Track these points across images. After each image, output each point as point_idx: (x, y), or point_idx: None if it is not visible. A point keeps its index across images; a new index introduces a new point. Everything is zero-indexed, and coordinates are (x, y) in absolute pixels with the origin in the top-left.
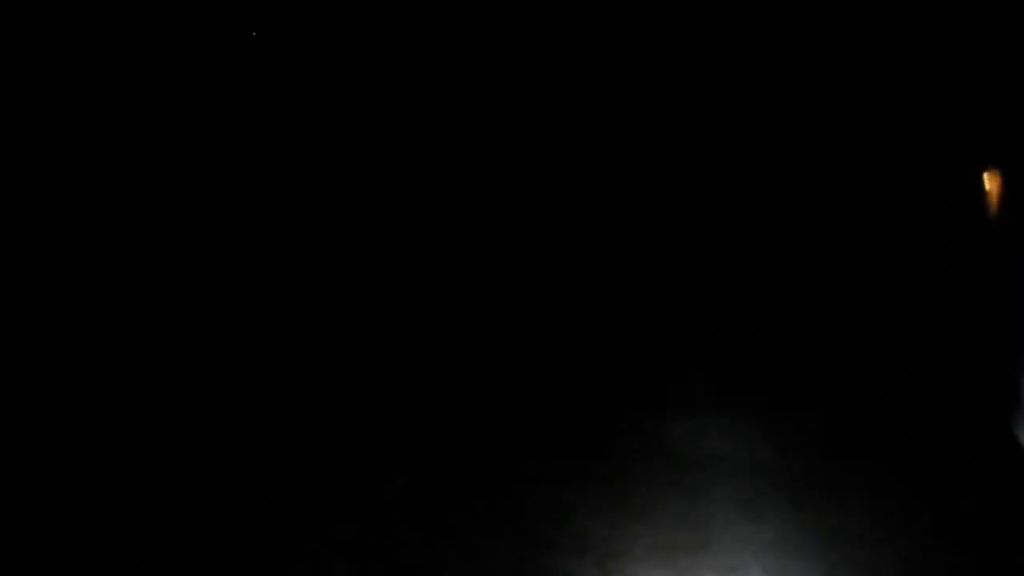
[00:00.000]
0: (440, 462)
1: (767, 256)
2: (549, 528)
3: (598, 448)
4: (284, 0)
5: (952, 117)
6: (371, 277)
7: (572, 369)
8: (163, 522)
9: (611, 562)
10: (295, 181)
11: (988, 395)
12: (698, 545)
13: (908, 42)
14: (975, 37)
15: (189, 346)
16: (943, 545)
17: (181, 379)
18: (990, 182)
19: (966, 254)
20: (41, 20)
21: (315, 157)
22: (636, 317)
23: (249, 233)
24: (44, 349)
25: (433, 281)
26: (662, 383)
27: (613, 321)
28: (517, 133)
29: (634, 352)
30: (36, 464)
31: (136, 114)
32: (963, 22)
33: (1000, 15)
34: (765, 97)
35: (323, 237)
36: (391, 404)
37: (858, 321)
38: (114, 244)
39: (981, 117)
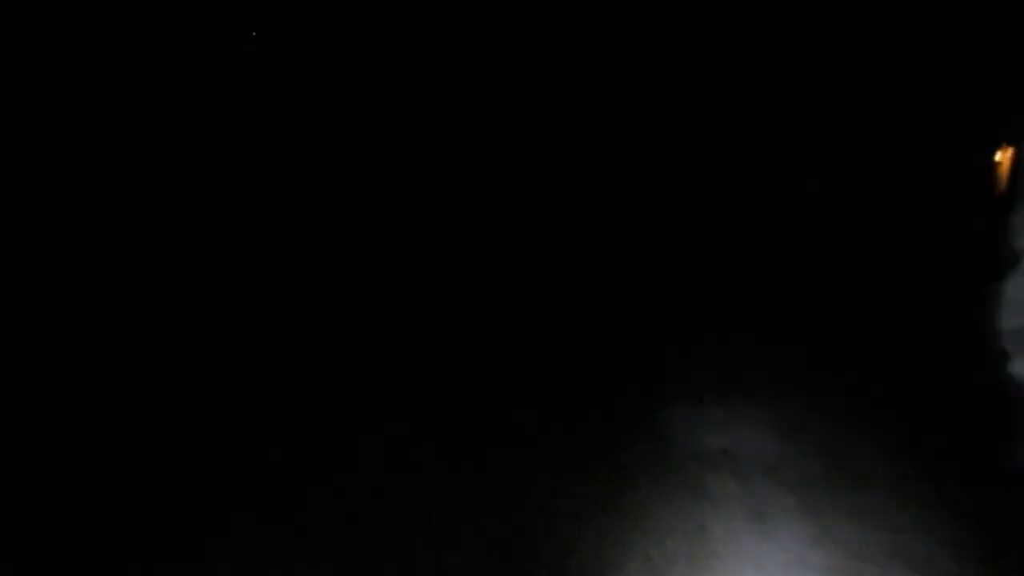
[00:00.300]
0: (426, 459)
1: (770, 249)
2: (530, 537)
3: (589, 440)
4: (284, 0)
5: (953, 115)
6: (370, 269)
7: (563, 353)
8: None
9: None
10: (294, 180)
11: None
12: (699, 561)
13: (908, 42)
14: (975, 37)
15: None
16: (972, 559)
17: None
18: (1002, 156)
19: (974, 246)
20: (41, 20)
21: (315, 156)
22: (630, 302)
23: (246, 231)
24: None
25: (430, 271)
26: (659, 370)
27: (607, 306)
28: (516, 132)
29: (629, 338)
30: None
31: (135, 113)
32: (963, 22)
33: (1000, 15)
34: (762, 95)
35: (319, 233)
36: (381, 397)
37: (869, 311)
38: (116, 241)
39: (982, 116)
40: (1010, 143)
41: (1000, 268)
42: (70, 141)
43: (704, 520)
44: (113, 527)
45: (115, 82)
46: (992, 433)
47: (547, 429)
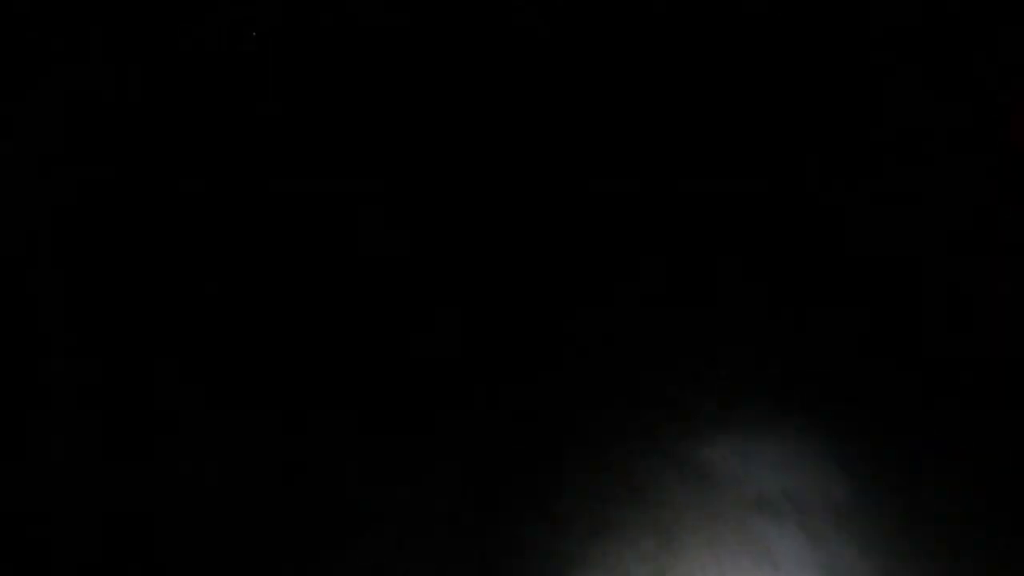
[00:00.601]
0: (438, 495)
1: (797, 255)
2: None
3: (617, 486)
4: (284, 0)
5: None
6: (376, 273)
7: (578, 372)
8: None
9: None
10: (293, 181)
11: None
12: None
13: (908, 42)
14: (975, 37)
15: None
16: None
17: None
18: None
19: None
20: (41, 20)
21: (314, 157)
22: (657, 311)
23: (245, 234)
24: None
25: (441, 288)
26: (694, 394)
27: (630, 317)
28: (517, 133)
29: (655, 356)
30: None
31: (135, 114)
32: (963, 22)
33: (1000, 15)
34: (766, 97)
35: (319, 237)
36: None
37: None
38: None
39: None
40: None
41: None
42: (68, 141)
43: None
44: None
45: (115, 82)
46: None
47: (556, 480)
